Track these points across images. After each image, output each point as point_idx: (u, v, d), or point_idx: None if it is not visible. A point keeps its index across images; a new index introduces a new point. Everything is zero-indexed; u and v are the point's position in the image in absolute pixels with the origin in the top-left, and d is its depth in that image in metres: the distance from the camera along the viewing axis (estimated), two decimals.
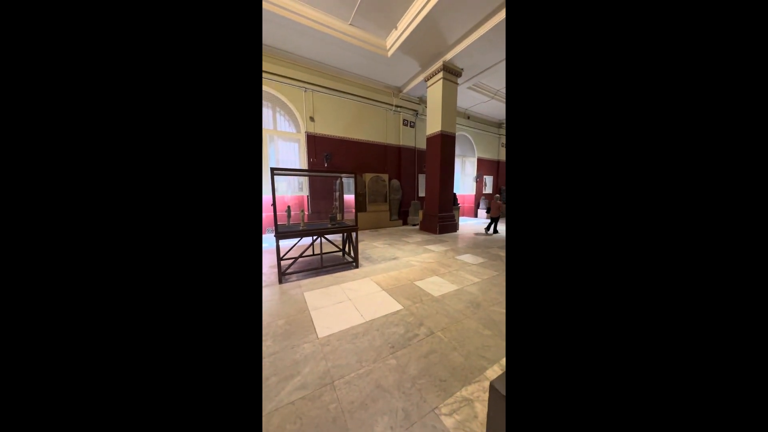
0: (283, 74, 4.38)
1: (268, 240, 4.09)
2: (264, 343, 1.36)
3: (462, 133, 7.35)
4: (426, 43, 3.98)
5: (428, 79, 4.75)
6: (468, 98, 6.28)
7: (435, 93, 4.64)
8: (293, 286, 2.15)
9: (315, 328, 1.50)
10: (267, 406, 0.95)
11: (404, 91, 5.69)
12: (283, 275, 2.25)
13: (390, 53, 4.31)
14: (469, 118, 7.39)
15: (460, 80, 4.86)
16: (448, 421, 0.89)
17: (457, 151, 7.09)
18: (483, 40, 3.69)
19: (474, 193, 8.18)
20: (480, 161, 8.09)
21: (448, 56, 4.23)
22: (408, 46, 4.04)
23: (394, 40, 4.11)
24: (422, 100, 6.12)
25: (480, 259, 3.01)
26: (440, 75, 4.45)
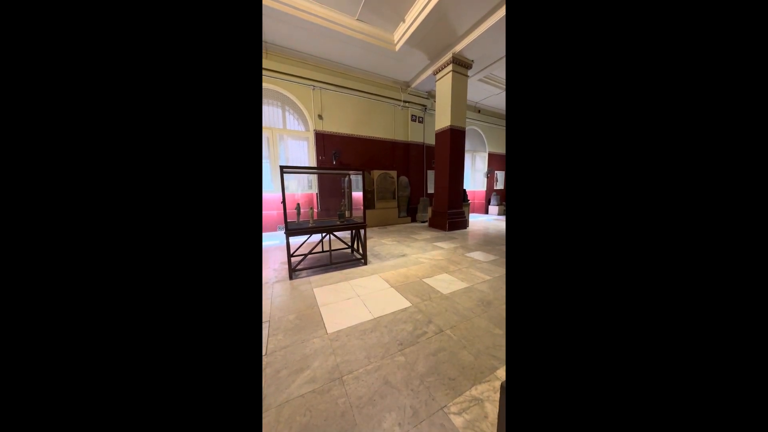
0: (292, 73, 4.41)
1: (278, 237, 4.18)
2: (275, 337, 1.39)
3: (472, 127, 7.16)
4: (435, 34, 3.88)
5: (437, 73, 4.64)
6: (479, 91, 6.10)
7: (444, 86, 4.53)
8: (303, 282, 2.19)
9: (324, 324, 1.52)
10: (278, 398, 0.97)
11: (412, 85, 5.59)
12: (293, 271, 2.29)
13: (398, 47, 4.24)
14: (479, 111, 7.19)
15: (470, 72, 4.72)
16: (458, 420, 0.88)
17: (467, 146, 6.92)
18: (494, 29, 3.55)
19: (485, 189, 7.99)
20: (491, 156, 7.88)
21: (458, 48, 4.11)
22: (416, 38, 3.96)
23: (401, 33, 4.03)
24: (431, 95, 6.00)
25: (491, 257, 2.95)
26: (449, 68, 4.33)
